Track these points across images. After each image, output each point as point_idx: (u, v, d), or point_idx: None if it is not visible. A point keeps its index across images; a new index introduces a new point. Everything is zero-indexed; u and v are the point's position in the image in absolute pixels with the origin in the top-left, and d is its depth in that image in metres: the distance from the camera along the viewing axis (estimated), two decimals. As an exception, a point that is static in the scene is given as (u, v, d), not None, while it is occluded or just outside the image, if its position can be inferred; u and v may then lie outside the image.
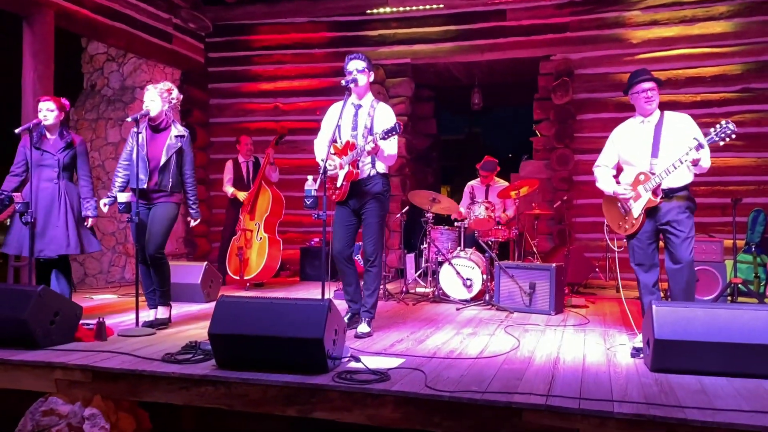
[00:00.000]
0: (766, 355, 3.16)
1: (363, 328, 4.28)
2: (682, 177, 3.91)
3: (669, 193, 3.93)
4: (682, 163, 3.78)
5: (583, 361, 3.62)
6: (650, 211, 3.97)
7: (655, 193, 3.91)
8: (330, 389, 2.98)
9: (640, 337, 4.08)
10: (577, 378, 3.20)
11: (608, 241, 4.39)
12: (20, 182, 4.64)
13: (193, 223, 4.74)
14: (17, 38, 6.32)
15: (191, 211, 4.68)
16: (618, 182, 4.20)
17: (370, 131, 4.21)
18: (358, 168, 4.22)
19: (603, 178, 4.23)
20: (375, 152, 4.10)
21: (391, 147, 4.18)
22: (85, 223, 4.72)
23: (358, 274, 4.51)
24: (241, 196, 6.97)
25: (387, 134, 3.97)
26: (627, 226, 4.06)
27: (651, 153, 3.96)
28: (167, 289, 4.63)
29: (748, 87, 7.26)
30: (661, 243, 4.10)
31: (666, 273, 4.01)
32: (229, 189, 7.12)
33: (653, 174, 3.90)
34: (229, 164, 7.27)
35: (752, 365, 3.19)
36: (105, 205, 4.53)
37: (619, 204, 4.13)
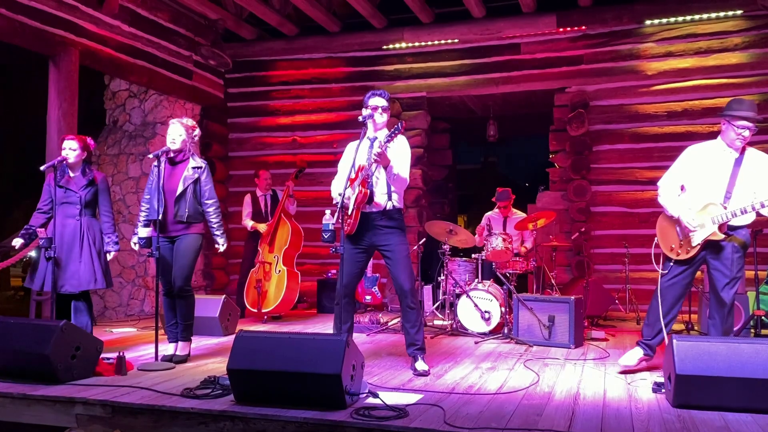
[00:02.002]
0: (791, 391, 3.12)
1: (422, 365, 4.16)
2: (747, 217, 3.83)
3: (729, 230, 3.85)
4: (763, 206, 3.68)
5: (604, 396, 3.58)
6: (708, 244, 3.88)
7: (721, 228, 3.81)
8: (348, 426, 2.98)
9: (628, 355, 4.02)
10: (598, 414, 3.17)
11: (654, 265, 4.21)
12: (46, 219, 4.71)
13: (220, 249, 4.75)
14: (43, 77, 6.52)
15: (216, 238, 4.70)
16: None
17: None
18: (368, 188, 4.10)
19: (668, 197, 4.07)
20: (384, 162, 4.00)
21: (401, 164, 4.12)
22: (108, 258, 4.80)
23: (353, 315, 4.43)
24: (261, 228, 7.06)
25: (390, 136, 3.93)
26: (680, 251, 3.96)
27: (727, 186, 3.85)
28: (191, 323, 4.67)
29: (765, 118, 7.24)
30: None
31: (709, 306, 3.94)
32: (249, 222, 7.20)
33: (725, 208, 3.80)
34: (247, 198, 7.36)
35: (777, 401, 3.14)
36: (135, 243, 4.53)
37: (678, 228, 4.01)
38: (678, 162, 4.12)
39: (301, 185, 8.63)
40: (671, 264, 4.04)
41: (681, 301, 4.09)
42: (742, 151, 3.92)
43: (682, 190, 4.09)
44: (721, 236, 3.81)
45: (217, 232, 4.68)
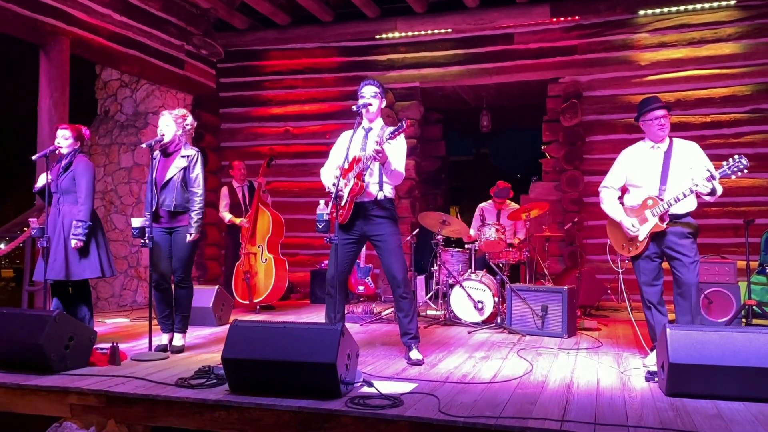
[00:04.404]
0: (782, 379, 3.14)
1: (416, 354, 4.17)
2: (687, 204, 3.99)
3: (674, 219, 4.00)
4: (692, 192, 3.87)
5: (597, 385, 3.60)
6: (655, 235, 4.05)
7: (662, 218, 3.98)
8: (343, 414, 2.98)
9: (651, 356, 4.08)
10: (592, 402, 3.19)
11: (611, 263, 4.48)
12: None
13: (188, 238, 4.47)
14: (34, 66, 6.45)
15: (189, 228, 4.47)
16: (622, 203, 4.28)
17: None
18: (363, 181, 4.08)
19: (609, 202, 4.32)
20: (382, 159, 3.96)
21: (398, 160, 4.09)
22: (71, 245, 4.46)
23: (346, 304, 4.43)
24: (238, 221, 7.02)
25: (393, 134, 3.91)
26: (631, 248, 4.18)
27: (660, 179, 4.05)
28: (188, 314, 4.64)
29: (758, 108, 7.27)
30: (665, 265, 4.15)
31: (672, 294, 4.05)
32: (227, 215, 7.15)
33: (661, 200, 3.98)
34: (224, 190, 7.32)
35: (769, 389, 3.16)
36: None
37: (624, 230, 4.20)
38: (613, 167, 4.36)
39: (293, 176, 8.63)
40: (627, 261, 4.27)
41: (661, 294, 4.18)
42: (670, 144, 4.12)
43: (626, 192, 4.31)
44: (664, 226, 3.98)
45: (193, 221, 4.46)
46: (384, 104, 4.36)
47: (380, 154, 3.93)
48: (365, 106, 4.18)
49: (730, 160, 3.80)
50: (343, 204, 4.13)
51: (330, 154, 4.41)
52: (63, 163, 4.61)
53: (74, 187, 4.56)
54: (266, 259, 6.78)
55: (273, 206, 7.20)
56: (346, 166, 4.15)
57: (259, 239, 6.84)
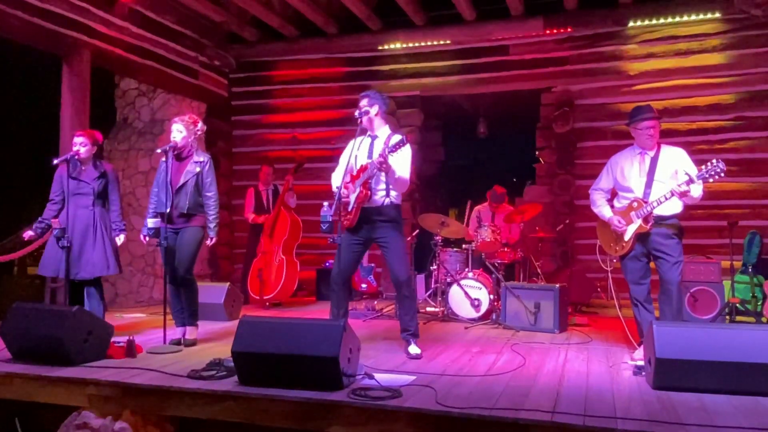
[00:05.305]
0: (763, 373, 3.12)
1: (414, 349, 4.15)
2: (672, 207, 3.99)
3: (659, 221, 4.00)
4: (673, 195, 3.86)
5: (587, 378, 3.58)
6: (640, 236, 4.05)
7: (646, 220, 3.98)
8: (345, 405, 2.97)
9: (638, 351, 4.07)
10: (581, 395, 3.17)
11: (600, 262, 4.48)
12: (58, 210, 4.69)
13: (208, 242, 4.61)
14: (56, 76, 6.47)
15: (209, 231, 4.57)
16: (612, 206, 4.28)
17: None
18: (369, 189, 4.09)
19: (599, 203, 4.35)
20: (386, 169, 3.96)
21: (402, 169, 4.08)
22: (118, 241, 4.75)
23: (349, 300, 4.40)
24: (261, 220, 7.07)
25: (395, 147, 3.91)
26: (618, 248, 4.19)
27: (645, 183, 4.05)
28: (196, 309, 4.65)
29: (741, 115, 7.23)
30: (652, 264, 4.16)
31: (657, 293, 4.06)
32: (250, 215, 7.23)
33: (646, 203, 3.98)
34: (250, 192, 7.37)
35: (750, 383, 3.14)
36: (145, 236, 4.51)
37: (612, 227, 4.22)
38: (603, 171, 4.38)
39: (300, 179, 8.59)
40: (615, 260, 4.29)
41: (648, 292, 4.19)
42: (657, 150, 4.11)
43: (616, 196, 4.32)
44: (648, 228, 3.98)
45: (211, 224, 4.56)
46: (385, 109, 4.34)
47: (384, 165, 3.94)
48: (365, 114, 4.19)
49: (708, 164, 3.79)
50: (350, 210, 4.16)
51: (340, 159, 4.41)
52: (97, 171, 4.69)
53: (107, 191, 4.74)
54: (279, 260, 6.80)
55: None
56: (354, 173, 4.18)
57: (276, 240, 6.87)
